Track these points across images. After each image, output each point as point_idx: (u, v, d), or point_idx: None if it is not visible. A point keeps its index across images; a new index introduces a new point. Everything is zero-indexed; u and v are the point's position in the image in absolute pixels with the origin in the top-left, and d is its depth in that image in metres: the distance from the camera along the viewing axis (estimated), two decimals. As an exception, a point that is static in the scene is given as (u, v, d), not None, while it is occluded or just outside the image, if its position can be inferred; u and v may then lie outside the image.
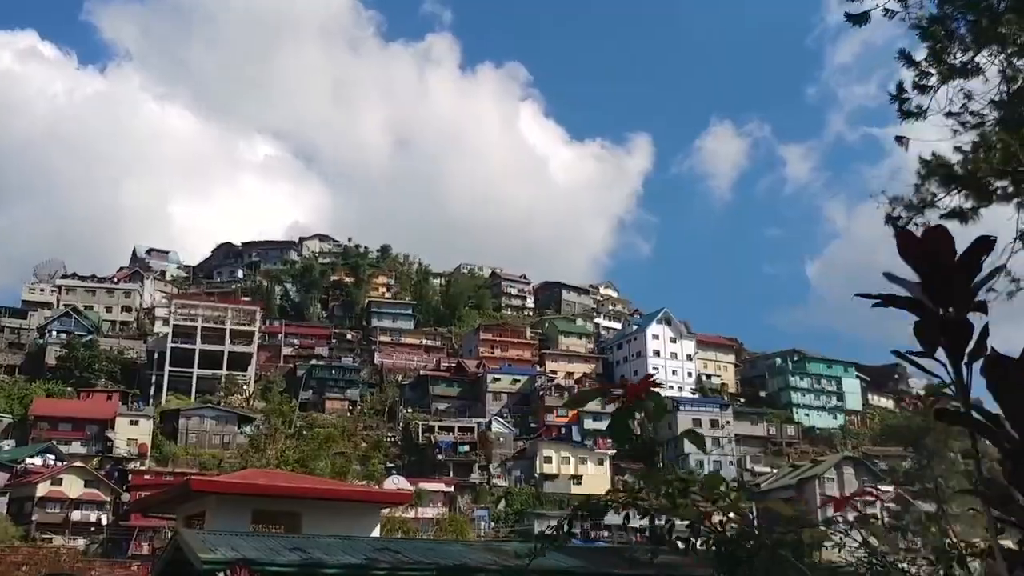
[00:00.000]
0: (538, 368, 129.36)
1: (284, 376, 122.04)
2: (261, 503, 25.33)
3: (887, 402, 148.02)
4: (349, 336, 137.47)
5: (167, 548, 17.93)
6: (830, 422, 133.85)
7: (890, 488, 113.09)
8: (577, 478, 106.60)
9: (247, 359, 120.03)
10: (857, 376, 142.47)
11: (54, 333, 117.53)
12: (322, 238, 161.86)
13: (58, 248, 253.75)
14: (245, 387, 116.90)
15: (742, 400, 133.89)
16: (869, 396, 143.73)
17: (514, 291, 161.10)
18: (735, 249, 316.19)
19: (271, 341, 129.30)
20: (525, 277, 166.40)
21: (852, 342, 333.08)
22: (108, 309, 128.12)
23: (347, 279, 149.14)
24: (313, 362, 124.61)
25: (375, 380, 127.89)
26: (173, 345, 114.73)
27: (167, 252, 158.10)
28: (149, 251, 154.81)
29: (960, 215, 16.46)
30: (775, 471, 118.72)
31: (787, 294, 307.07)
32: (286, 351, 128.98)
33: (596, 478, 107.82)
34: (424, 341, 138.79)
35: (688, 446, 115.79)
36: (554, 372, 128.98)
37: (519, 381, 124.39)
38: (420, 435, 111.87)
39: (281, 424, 53.95)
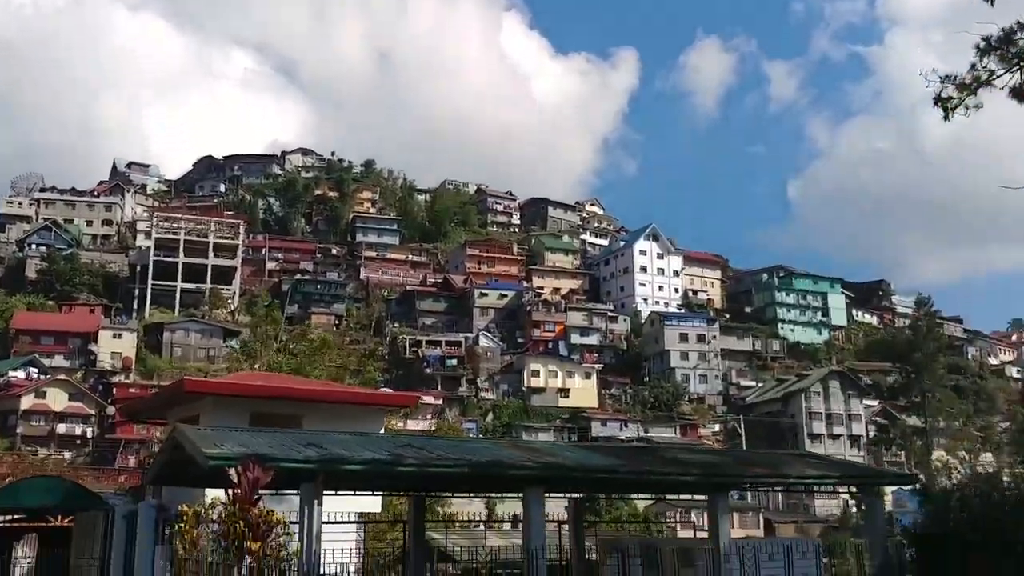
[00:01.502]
0: (525, 284, 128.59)
1: (269, 290, 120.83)
2: (259, 405, 24.37)
3: (871, 318, 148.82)
4: (334, 251, 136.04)
5: (164, 448, 16.91)
6: (815, 337, 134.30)
7: (875, 402, 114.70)
8: (564, 391, 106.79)
9: (231, 273, 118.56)
10: (842, 292, 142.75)
11: (33, 246, 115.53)
12: (304, 152, 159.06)
13: (33, 163, 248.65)
14: (229, 301, 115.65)
15: (728, 316, 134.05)
16: (853, 312, 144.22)
17: (500, 207, 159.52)
18: (719, 167, 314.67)
19: (255, 256, 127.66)
20: (511, 194, 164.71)
21: (833, 262, 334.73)
22: (88, 223, 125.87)
23: (331, 194, 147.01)
24: (298, 277, 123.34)
25: (361, 295, 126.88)
26: (155, 258, 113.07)
27: (147, 166, 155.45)
28: (129, 165, 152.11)
29: (1020, 94, 15.35)
30: (760, 385, 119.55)
31: (769, 213, 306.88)
32: (270, 265, 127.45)
33: (583, 392, 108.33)
34: (410, 257, 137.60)
35: (674, 359, 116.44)
36: (541, 288, 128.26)
37: (506, 296, 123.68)
38: (407, 350, 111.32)
39: (271, 332, 52.88)
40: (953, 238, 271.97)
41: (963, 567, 16.21)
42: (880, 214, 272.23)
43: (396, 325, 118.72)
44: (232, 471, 12.03)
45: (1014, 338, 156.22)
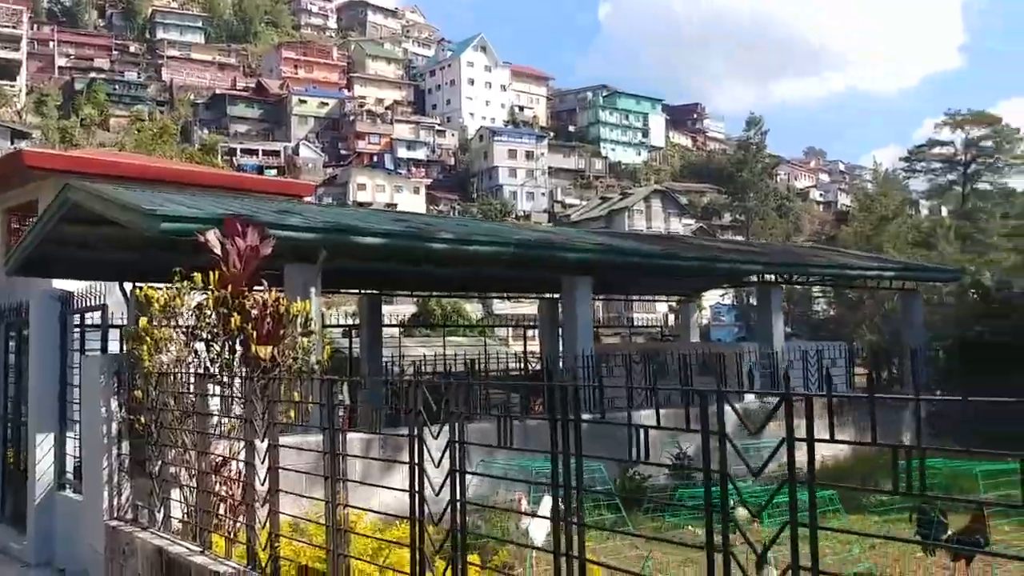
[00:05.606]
0: (346, 92, 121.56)
1: (61, 89, 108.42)
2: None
3: (686, 140, 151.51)
4: (132, 48, 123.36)
5: (46, 220, 12.69)
6: (635, 157, 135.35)
7: (692, 221, 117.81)
8: (392, 206, 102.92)
9: (15, 67, 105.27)
10: (661, 113, 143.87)
11: None
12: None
13: None
14: (15, 99, 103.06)
15: (553, 134, 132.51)
16: (669, 134, 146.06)
17: (314, 8, 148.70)
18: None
19: (42, 50, 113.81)
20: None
21: (641, 87, 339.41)
22: None
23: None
24: (93, 75, 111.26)
25: (164, 98, 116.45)
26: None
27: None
28: None
29: None
30: (584, 203, 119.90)
31: (580, 35, 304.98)
32: (60, 62, 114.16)
33: (411, 207, 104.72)
34: (217, 58, 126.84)
35: (502, 176, 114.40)
36: (363, 97, 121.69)
37: (327, 105, 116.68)
38: (220, 157, 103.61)
39: (94, 116, 45.94)
40: (752, 70, 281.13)
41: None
42: (686, 42, 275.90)
43: (205, 131, 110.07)
44: (211, 237, 8.36)
45: (812, 164, 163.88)
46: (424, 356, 18.43)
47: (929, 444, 2.98)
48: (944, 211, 70.20)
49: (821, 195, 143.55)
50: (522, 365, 19.30)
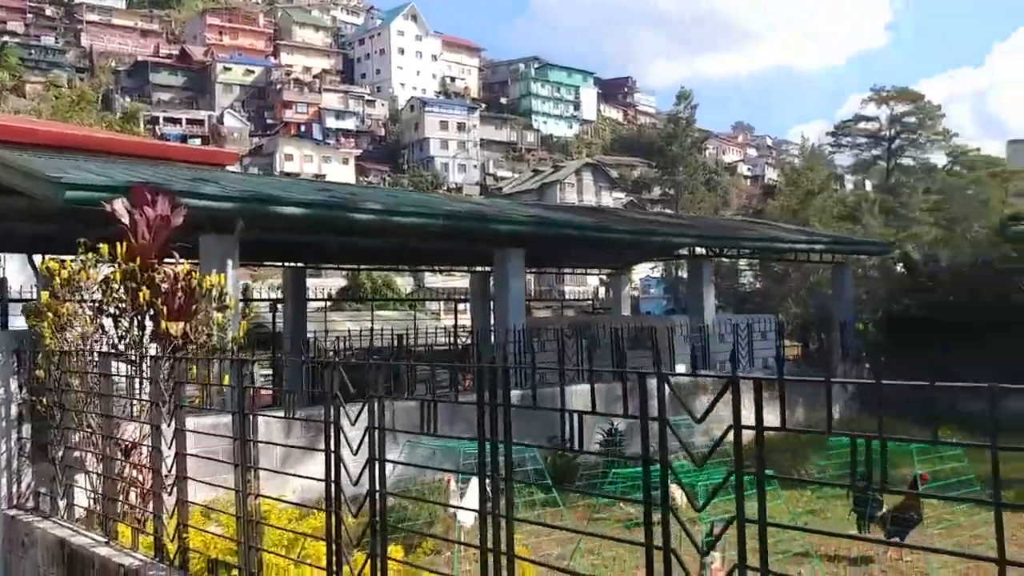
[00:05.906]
0: (273, 60, 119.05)
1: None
2: (34, 157, 18.94)
3: (617, 113, 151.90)
4: (48, 12, 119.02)
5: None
6: (566, 130, 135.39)
7: (622, 195, 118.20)
8: (321, 178, 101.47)
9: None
10: (593, 86, 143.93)
11: None
12: None
13: None
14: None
15: (484, 106, 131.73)
16: (600, 107, 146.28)
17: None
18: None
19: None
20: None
21: (574, 57, 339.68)
22: None
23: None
24: (6, 39, 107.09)
25: (84, 64, 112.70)
26: None
27: None
28: None
29: None
30: (516, 176, 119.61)
31: (509, 6, 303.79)
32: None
33: (340, 178, 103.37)
34: (139, 24, 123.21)
35: (434, 147, 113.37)
36: (291, 65, 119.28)
37: (253, 72, 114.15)
38: (142, 126, 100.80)
39: (5, 81, 44.10)
40: (681, 46, 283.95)
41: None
42: (617, 17, 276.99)
43: (127, 99, 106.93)
44: (118, 206, 7.88)
45: (740, 139, 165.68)
46: (350, 331, 18.01)
47: (858, 419, 2.81)
48: (869, 185, 71.43)
49: (749, 169, 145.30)
50: (451, 340, 19.04)
